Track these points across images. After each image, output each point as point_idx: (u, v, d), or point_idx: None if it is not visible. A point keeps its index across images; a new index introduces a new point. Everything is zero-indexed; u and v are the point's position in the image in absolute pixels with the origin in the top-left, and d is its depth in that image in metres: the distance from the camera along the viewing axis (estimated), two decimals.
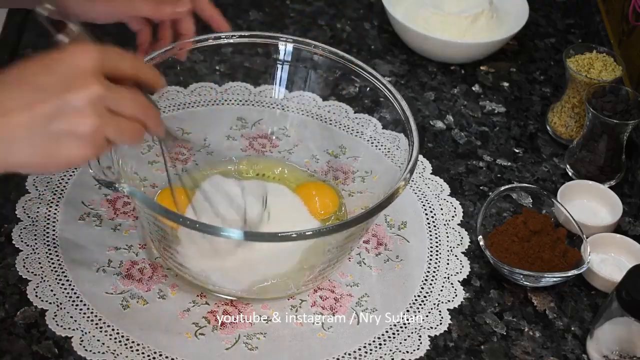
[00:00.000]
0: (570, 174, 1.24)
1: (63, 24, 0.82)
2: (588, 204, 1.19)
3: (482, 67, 1.41)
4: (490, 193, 1.18)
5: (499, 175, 1.24)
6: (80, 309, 1.01)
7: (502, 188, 1.16)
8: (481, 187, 1.22)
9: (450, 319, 1.05)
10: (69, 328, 0.99)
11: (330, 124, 1.23)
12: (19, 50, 1.32)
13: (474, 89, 1.37)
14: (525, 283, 1.09)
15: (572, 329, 1.06)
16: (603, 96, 1.20)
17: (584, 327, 1.06)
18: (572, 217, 1.12)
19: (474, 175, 1.23)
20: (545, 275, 1.07)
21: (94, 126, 0.77)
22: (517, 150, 1.28)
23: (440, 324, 1.04)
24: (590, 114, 1.18)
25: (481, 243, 1.10)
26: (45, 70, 0.78)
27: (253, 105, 1.24)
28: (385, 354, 1.01)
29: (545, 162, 1.27)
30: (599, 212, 1.19)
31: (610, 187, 1.21)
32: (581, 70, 1.26)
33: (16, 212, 1.09)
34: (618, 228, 1.17)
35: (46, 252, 1.05)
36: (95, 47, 0.79)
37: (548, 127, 1.31)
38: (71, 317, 1.00)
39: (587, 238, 1.10)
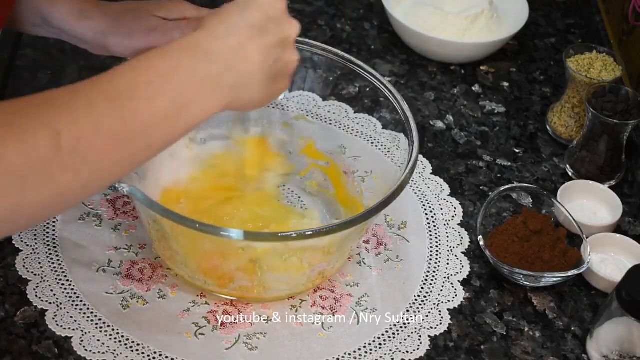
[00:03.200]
0: (570, 174, 1.24)
1: None
2: (588, 204, 1.19)
3: (482, 67, 1.41)
4: (490, 193, 1.18)
5: (499, 175, 1.24)
6: (80, 309, 1.01)
7: (502, 188, 1.16)
8: (481, 187, 1.22)
9: (450, 319, 1.05)
10: (69, 328, 0.99)
11: (330, 124, 1.23)
12: (19, 50, 1.32)
13: (474, 89, 1.37)
14: (525, 283, 1.09)
15: (572, 329, 1.06)
16: (603, 96, 1.20)
17: (584, 327, 1.06)
18: (572, 217, 1.12)
19: (474, 175, 1.23)
20: (545, 275, 1.07)
21: (298, 60, 0.86)
22: (517, 150, 1.28)
23: (440, 324, 1.04)
24: (590, 114, 1.18)
25: (481, 243, 1.10)
26: (257, 9, 0.83)
27: None
28: (385, 354, 1.01)
29: (545, 162, 1.27)
30: (599, 212, 1.19)
31: (610, 187, 1.21)
32: (581, 70, 1.26)
33: None
34: (618, 228, 1.17)
35: (46, 252, 1.05)
36: None
37: (548, 127, 1.31)
38: (71, 317, 1.00)
39: (587, 238, 1.10)
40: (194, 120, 0.79)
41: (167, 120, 0.77)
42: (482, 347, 1.03)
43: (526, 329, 1.06)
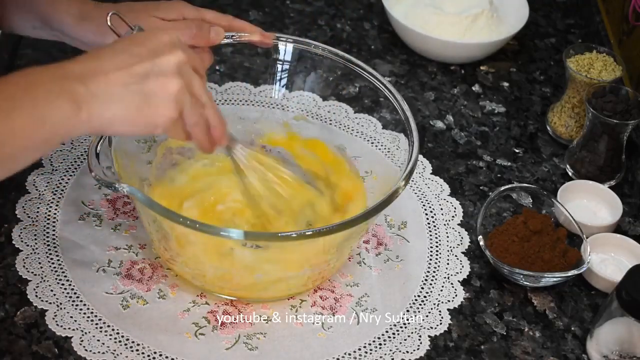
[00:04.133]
0: (570, 174, 1.24)
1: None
2: (588, 204, 1.19)
3: (482, 67, 1.41)
4: (490, 193, 1.18)
5: (499, 175, 1.24)
6: (80, 309, 1.01)
7: (502, 188, 1.16)
8: (481, 187, 1.22)
9: (450, 319, 1.05)
10: (69, 328, 0.99)
11: (331, 124, 1.23)
12: (19, 50, 1.32)
13: (474, 89, 1.37)
14: (525, 283, 1.09)
15: (572, 329, 1.06)
16: (603, 96, 1.20)
17: (584, 327, 1.06)
18: (572, 217, 1.12)
19: (474, 175, 1.23)
20: (545, 275, 1.07)
21: (180, 86, 0.87)
22: (517, 150, 1.28)
23: (440, 324, 1.04)
24: (590, 114, 1.18)
25: (481, 243, 1.10)
26: (136, 43, 0.87)
27: (253, 105, 1.24)
28: (385, 354, 1.01)
29: (545, 162, 1.27)
30: (599, 212, 1.19)
31: (610, 187, 1.21)
32: (581, 70, 1.26)
33: (16, 212, 1.09)
34: (618, 228, 1.17)
35: (46, 252, 1.05)
36: (171, 29, 0.94)
37: (548, 127, 1.31)
38: (71, 317, 1.00)
39: (587, 238, 1.10)
40: (54, 133, 0.82)
41: (24, 132, 0.80)
42: (482, 347, 1.03)
43: (526, 329, 1.06)
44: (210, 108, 0.91)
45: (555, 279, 1.08)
